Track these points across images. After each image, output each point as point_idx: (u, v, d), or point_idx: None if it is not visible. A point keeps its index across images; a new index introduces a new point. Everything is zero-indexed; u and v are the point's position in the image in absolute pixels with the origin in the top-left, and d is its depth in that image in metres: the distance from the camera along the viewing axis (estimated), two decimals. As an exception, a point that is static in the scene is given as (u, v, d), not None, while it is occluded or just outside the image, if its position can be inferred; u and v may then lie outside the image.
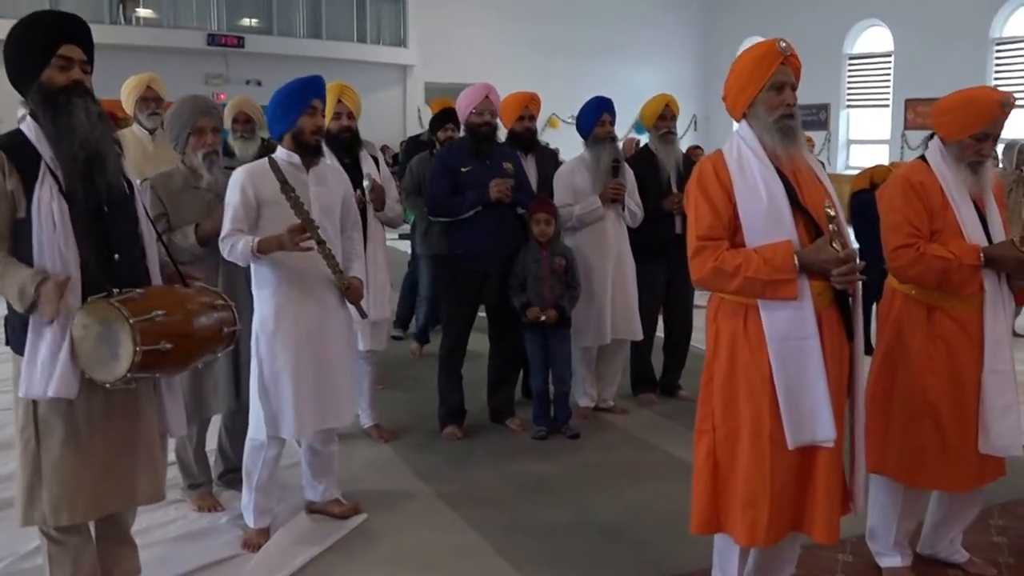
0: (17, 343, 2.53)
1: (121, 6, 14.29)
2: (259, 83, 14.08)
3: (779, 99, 2.59)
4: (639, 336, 5.08)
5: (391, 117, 17.23)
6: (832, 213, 2.51)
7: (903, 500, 3.14)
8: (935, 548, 3.29)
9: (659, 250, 5.13)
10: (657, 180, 5.10)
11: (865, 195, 5.79)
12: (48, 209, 2.46)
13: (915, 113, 16.68)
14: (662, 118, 5.13)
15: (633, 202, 4.96)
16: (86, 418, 2.54)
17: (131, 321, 2.38)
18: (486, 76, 18.18)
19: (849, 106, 18.21)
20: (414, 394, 5.39)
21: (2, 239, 2.49)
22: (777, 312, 2.50)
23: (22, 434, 2.55)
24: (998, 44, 14.63)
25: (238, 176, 3.35)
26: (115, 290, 2.48)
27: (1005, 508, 3.74)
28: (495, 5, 18.34)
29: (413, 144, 7.47)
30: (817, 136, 11.68)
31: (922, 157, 3.08)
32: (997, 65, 14.73)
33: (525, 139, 5.01)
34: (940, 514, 3.25)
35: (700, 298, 6.56)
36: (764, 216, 2.53)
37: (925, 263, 2.89)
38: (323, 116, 3.50)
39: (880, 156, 15.74)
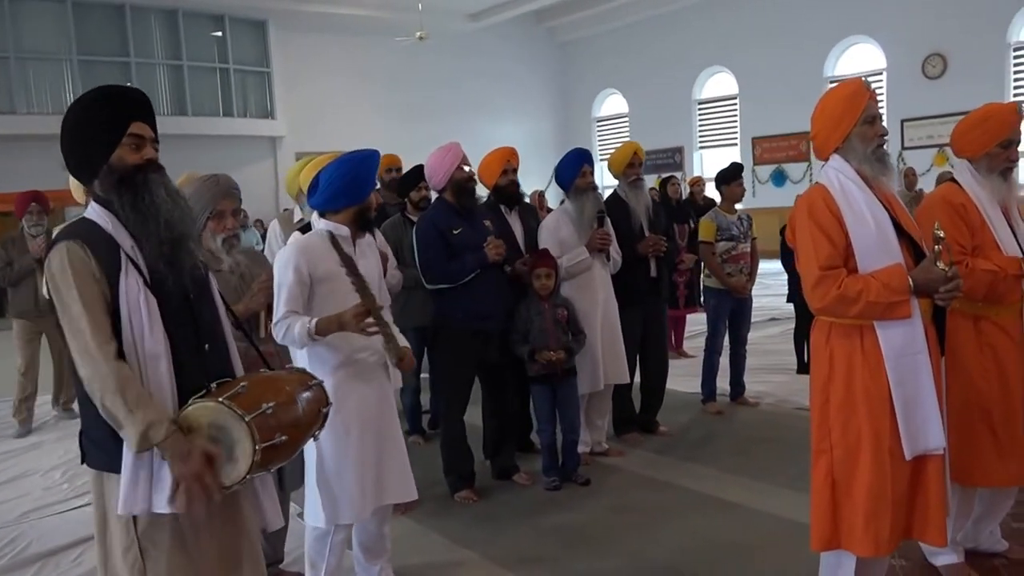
0: (104, 461, 2.29)
1: None
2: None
3: (873, 130, 2.78)
4: (627, 380, 5.19)
5: (263, 190, 16.87)
6: (942, 235, 2.66)
7: (959, 500, 3.31)
8: (977, 541, 3.52)
9: (635, 294, 5.29)
10: (629, 226, 5.26)
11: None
12: (136, 300, 2.23)
13: (762, 149, 17.95)
14: (631, 165, 5.31)
15: (614, 249, 5.10)
16: (190, 525, 2.33)
17: (247, 419, 2.20)
18: (356, 141, 18.10)
19: (702, 147, 19.35)
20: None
21: (108, 335, 2.20)
22: (892, 331, 2.66)
23: (126, 555, 2.30)
24: (832, 82, 15.98)
25: (291, 254, 3.20)
26: (212, 385, 2.30)
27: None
28: (359, 73, 18.42)
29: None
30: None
31: (952, 179, 3.33)
32: (834, 101, 16.09)
33: (510, 194, 4.94)
34: (982, 509, 3.46)
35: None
36: (874, 242, 2.68)
37: (975, 277, 3.09)
38: None
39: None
